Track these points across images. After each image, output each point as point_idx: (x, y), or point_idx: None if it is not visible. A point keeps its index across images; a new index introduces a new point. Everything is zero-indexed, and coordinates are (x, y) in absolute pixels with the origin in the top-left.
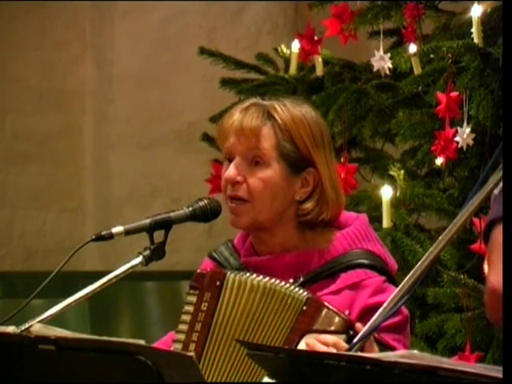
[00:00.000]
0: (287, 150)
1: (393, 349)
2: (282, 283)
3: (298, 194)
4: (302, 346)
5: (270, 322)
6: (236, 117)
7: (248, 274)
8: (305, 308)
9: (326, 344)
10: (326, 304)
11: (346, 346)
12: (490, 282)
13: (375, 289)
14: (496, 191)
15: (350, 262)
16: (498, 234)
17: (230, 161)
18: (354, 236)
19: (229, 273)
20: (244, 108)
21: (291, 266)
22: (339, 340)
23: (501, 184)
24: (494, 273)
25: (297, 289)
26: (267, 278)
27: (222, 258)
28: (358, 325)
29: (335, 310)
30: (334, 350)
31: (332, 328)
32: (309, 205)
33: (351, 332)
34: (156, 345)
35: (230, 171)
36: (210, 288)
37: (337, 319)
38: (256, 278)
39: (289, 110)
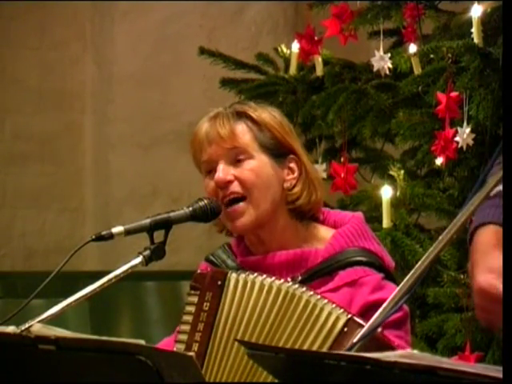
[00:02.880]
0: (265, 139)
1: (395, 346)
2: (303, 288)
3: (286, 183)
4: None
5: (293, 328)
6: (206, 126)
7: (256, 274)
8: (346, 329)
9: None
10: (364, 323)
11: None
12: (477, 283)
13: (374, 286)
14: (492, 193)
15: (348, 259)
16: (478, 236)
17: (211, 173)
18: (350, 234)
19: (230, 272)
20: (212, 116)
21: (288, 264)
22: None
23: (497, 187)
24: (479, 272)
25: (325, 300)
26: (281, 280)
27: (220, 260)
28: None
29: (378, 335)
30: None
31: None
32: (297, 189)
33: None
34: None
35: (219, 174)
36: (211, 288)
37: (377, 344)
38: (266, 279)
39: (254, 107)
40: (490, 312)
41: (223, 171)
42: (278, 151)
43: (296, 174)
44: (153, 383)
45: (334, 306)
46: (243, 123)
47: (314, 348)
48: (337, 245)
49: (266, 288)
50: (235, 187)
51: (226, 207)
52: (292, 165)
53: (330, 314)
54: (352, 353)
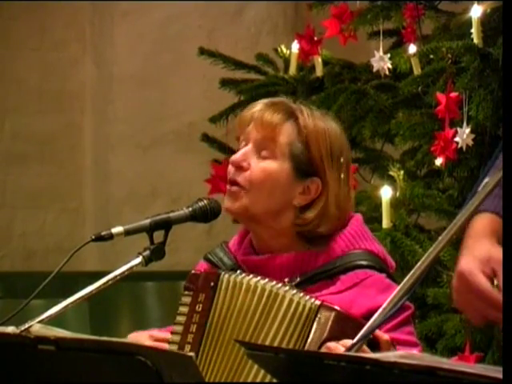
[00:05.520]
0: (299, 151)
1: (409, 342)
2: (286, 287)
3: (296, 199)
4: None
5: (278, 327)
6: (259, 107)
7: (244, 275)
8: (319, 316)
9: None
10: (339, 309)
11: (368, 350)
12: (459, 266)
13: (380, 287)
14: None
15: (349, 263)
16: (473, 223)
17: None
18: (351, 237)
19: (223, 273)
20: (271, 102)
21: (289, 266)
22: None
23: (485, 180)
24: (464, 257)
25: (301, 294)
26: (266, 280)
27: (216, 258)
28: (378, 331)
29: (350, 315)
30: None
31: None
32: (310, 215)
33: (370, 336)
34: (157, 331)
35: (238, 155)
36: (204, 289)
37: (353, 325)
38: (252, 279)
39: (314, 117)
40: (464, 298)
41: (243, 155)
42: (305, 168)
43: (309, 197)
44: (153, 383)
45: (307, 297)
46: (292, 125)
47: (293, 340)
48: (338, 248)
49: (251, 288)
50: (242, 178)
51: (230, 185)
52: (311, 186)
53: (306, 307)
54: (352, 353)
